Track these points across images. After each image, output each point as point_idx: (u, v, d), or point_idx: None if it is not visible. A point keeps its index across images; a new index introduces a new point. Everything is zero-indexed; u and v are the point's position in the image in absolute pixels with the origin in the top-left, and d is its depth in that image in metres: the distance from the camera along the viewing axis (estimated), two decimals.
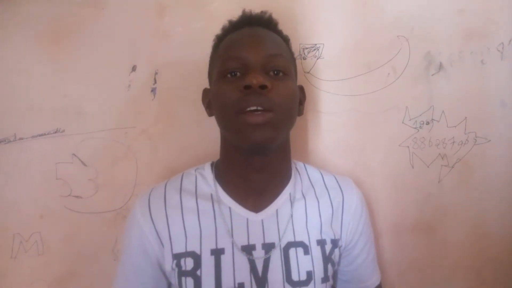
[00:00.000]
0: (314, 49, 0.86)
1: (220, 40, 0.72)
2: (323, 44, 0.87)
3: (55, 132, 0.81)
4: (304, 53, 0.86)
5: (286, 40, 0.74)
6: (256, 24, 0.70)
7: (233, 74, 0.64)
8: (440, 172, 0.89)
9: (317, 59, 0.87)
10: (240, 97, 0.61)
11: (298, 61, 0.86)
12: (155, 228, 0.65)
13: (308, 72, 0.87)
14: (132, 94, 0.83)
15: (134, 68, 0.83)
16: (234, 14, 0.74)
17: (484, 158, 0.89)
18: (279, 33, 0.73)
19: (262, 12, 0.72)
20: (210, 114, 0.73)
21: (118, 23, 0.83)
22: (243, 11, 0.72)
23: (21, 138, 0.81)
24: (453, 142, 0.89)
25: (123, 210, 0.83)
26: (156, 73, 0.84)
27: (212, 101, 0.69)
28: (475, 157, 0.89)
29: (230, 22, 0.72)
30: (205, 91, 0.75)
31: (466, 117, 0.89)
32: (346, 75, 0.87)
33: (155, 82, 0.84)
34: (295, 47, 0.85)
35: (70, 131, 0.82)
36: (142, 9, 0.83)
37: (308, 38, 0.86)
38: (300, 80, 0.85)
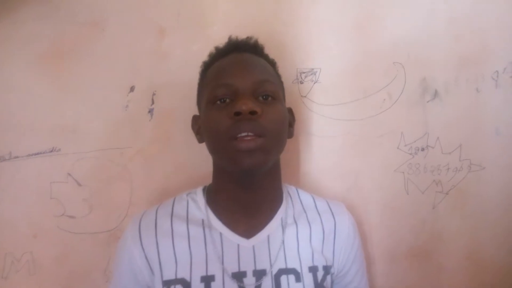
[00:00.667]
0: (311, 74, 0.87)
1: (207, 67, 0.73)
2: (320, 68, 0.87)
3: (51, 151, 0.82)
4: (301, 77, 0.87)
5: (272, 64, 0.75)
6: (243, 49, 0.71)
7: (222, 100, 0.64)
8: (435, 198, 0.89)
9: (314, 83, 0.87)
10: (231, 124, 0.61)
11: (295, 85, 0.87)
12: (145, 254, 0.65)
13: (305, 96, 0.87)
14: (130, 114, 0.84)
15: (132, 89, 0.84)
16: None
17: (478, 185, 0.90)
18: (266, 57, 0.74)
19: (248, 37, 0.73)
20: (200, 141, 0.73)
21: (118, 43, 0.84)
22: (229, 38, 0.73)
23: (16, 157, 0.81)
24: (448, 168, 0.89)
25: (117, 230, 0.82)
26: (154, 94, 0.84)
27: (202, 128, 0.70)
28: (470, 184, 0.89)
29: (217, 48, 0.74)
30: (195, 118, 0.76)
31: (461, 144, 0.89)
32: (343, 99, 0.88)
33: (153, 103, 0.84)
34: (292, 71, 0.87)
35: (66, 150, 0.82)
36: (142, 30, 0.84)
37: (305, 62, 0.87)
38: (297, 104, 0.86)
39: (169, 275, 0.64)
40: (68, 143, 0.82)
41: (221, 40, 0.75)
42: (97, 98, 0.83)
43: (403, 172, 0.88)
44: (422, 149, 0.88)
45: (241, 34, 0.77)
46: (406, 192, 0.88)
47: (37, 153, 0.81)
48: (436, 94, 0.89)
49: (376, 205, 0.88)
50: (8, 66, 0.81)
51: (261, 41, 0.83)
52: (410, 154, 0.88)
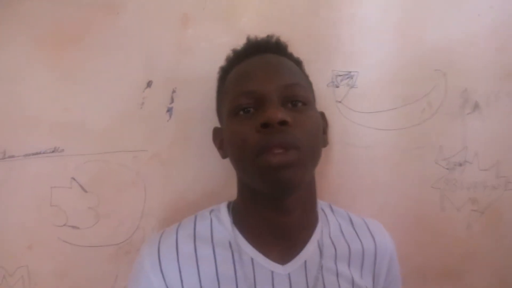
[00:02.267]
0: (348, 77, 0.80)
1: (226, 73, 0.66)
2: (358, 72, 0.80)
3: (53, 152, 0.71)
4: (337, 81, 0.80)
5: (298, 63, 0.68)
6: (264, 50, 0.64)
7: (246, 110, 0.57)
8: (470, 217, 0.84)
9: (351, 88, 0.80)
10: (258, 138, 0.53)
11: (330, 89, 0.80)
12: (165, 282, 0.56)
13: (340, 102, 0.80)
14: (145, 113, 0.74)
15: (149, 84, 0.74)
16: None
17: None
18: (290, 56, 0.67)
19: (268, 36, 0.66)
20: (224, 156, 0.66)
21: (135, 31, 0.74)
22: (248, 38, 0.66)
23: (11, 156, 0.70)
24: (485, 186, 0.84)
25: (126, 244, 0.73)
26: (173, 91, 0.75)
27: (225, 143, 0.62)
28: (505, 203, 0.85)
29: (235, 51, 0.67)
30: (216, 130, 0.68)
31: (498, 161, 0.84)
32: (380, 107, 0.81)
33: (172, 101, 0.75)
34: (327, 73, 0.80)
35: (70, 151, 0.71)
36: (164, 18, 0.74)
37: (342, 64, 0.80)
38: (331, 110, 0.79)
39: None
40: (73, 143, 0.72)
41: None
42: (108, 93, 0.73)
43: (439, 188, 0.83)
44: (460, 164, 0.83)
45: (274, 28, 0.70)
46: (441, 209, 0.83)
47: (36, 153, 0.70)
48: (476, 106, 0.83)
49: (409, 222, 0.82)
50: (3, 52, 0.70)
51: (296, 38, 0.76)
52: (448, 169, 0.83)
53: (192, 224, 0.62)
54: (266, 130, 0.53)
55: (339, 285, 0.61)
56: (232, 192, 0.66)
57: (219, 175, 0.75)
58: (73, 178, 0.72)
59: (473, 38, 0.83)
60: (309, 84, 0.67)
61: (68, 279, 0.71)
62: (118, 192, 0.73)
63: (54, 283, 0.71)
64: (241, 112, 0.57)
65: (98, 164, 0.72)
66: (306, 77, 0.68)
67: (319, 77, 0.78)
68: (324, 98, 0.78)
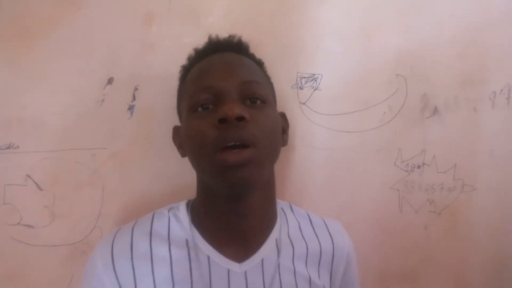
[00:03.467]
0: (312, 79, 0.81)
1: (187, 71, 0.66)
2: (322, 75, 0.81)
3: (7, 148, 0.69)
4: (301, 83, 0.80)
5: (260, 64, 0.68)
6: (225, 49, 0.64)
7: (204, 107, 0.57)
8: (428, 218, 0.86)
9: (314, 90, 0.81)
10: (216, 134, 0.53)
11: (294, 91, 0.80)
12: (118, 283, 0.55)
13: (304, 104, 0.81)
14: (105, 110, 0.73)
15: (110, 81, 0.73)
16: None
17: (470, 206, 0.88)
18: (252, 56, 0.68)
19: (230, 36, 0.67)
20: (183, 155, 0.65)
21: (97, 26, 0.72)
22: (209, 37, 0.66)
23: None
24: (442, 188, 0.86)
25: (83, 244, 0.71)
26: (136, 89, 0.74)
27: (183, 140, 0.62)
28: (461, 205, 0.87)
29: (196, 50, 0.67)
30: (176, 129, 0.68)
31: (455, 164, 0.87)
32: (343, 109, 0.82)
33: (134, 99, 0.74)
34: (292, 75, 0.80)
35: (25, 148, 0.69)
36: (127, 14, 0.73)
37: (306, 67, 0.80)
38: (295, 112, 0.80)
39: None
40: (29, 140, 0.70)
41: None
42: (68, 89, 0.71)
43: (398, 190, 0.85)
44: (419, 167, 0.85)
45: (239, 29, 0.70)
46: (400, 211, 0.85)
47: None
48: (435, 110, 0.86)
49: (369, 222, 0.84)
50: None
51: (261, 39, 0.76)
52: (407, 171, 0.85)
53: (149, 222, 0.61)
54: (224, 126, 0.53)
55: (296, 284, 0.61)
56: (191, 193, 0.65)
57: (179, 176, 0.74)
58: (28, 176, 0.70)
59: (434, 44, 0.85)
60: (270, 85, 0.67)
61: (21, 280, 0.69)
62: (75, 191, 0.71)
63: (7, 284, 0.69)
64: (200, 109, 0.57)
65: (54, 162, 0.71)
66: (267, 77, 0.68)
67: (283, 79, 0.79)
68: (288, 100, 0.79)
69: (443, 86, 0.86)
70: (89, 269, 0.57)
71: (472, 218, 0.88)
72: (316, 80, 0.81)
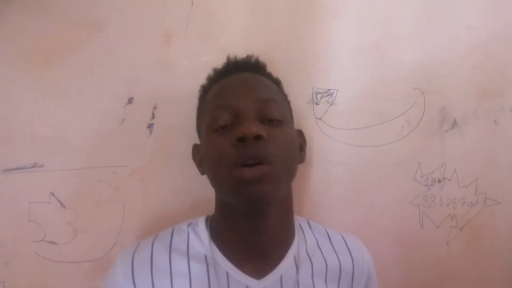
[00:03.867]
0: (328, 95, 0.81)
1: (206, 91, 0.68)
2: (337, 90, 0.81)
3: (32, 167, 0.71)
4: (317, 98, 0.81)
5: (277, 82, 0.69)
6: (244, 69, 0.66)
7: (223, 126, 0.58)
8: (449, 233, 0.84)
9: (330, 105, 0.81)
10: (234, 152, 0.54)
11: (309, 106, 0.81)
12: None
13: (320, 119, 0.81)
14: (126, 129, 0.74)
15: (130, 100, 0.75)
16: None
17: (492, 221, 0.86)
18: (269, 76, 0.69)
19: (248, 56, 0.68)
20: (202, 173, 0.66)
21: (117, 48, 0.74)
22: (228, 57, 0.68)
23: None
24: (463, 202, 0.85)
25: (104, 260, 0.73)
26: (155, 107, 0.75)
27: (202, 158, 0.63)
28: (484, 219, 0.86)
29: (215, 70, 0.68)
30: (195, 148, 0.69)
31: (477, 177, 0.85)
32: (359, 124, 0.82)
33: (153, 117, 0.75)
34: (307, 90, 0.81)
35: (50, 167, 0.72)
36: (146, 35, 0.75)
37: (322, 82, 0.81)
38: (311, 127, 0.80)
39: None
40: (53, 159, 0.72)
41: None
42: (89, 109, 0.73)
43: (418, 205, 0.83)
44: (439, 181, 0.84)
45: (255, 47, 0.72)
46: (420, 226, 0.83)
47: (16, 168, 0.70)
48: (455, 124, 0.85)
49: (389, 238, 0.83)
50: None
51: (276, 56, 0.77)
52: (426, 185, 0.84)
53: (169, 236, 0.62)
54: (242, 144, 0.54)
55: None
56: (210, 208, 0.66)
57: (198, 192, 0.75)
58: (52, 194, 0.72)
59: (451, 57, 0.85)
60: (287, 103, 0.68)
61: None
62: (96, 208, 0.73)
63: None
64: (219, 128, 0.58)
65: (77, 180, 0.72)
66: (284, 96, 0.69)
67: (299, 94, 0.79)
68: (304, 116, 0.80)
69: (461, 98, 0.85)
70: (109, 280, 0.58)
71: (495, 233, 0.86)
72: (331, 95, 0.81)
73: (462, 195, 0.85)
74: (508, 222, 0.86)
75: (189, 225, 0.64)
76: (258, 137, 0.53)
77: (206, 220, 0.65)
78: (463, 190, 0.85)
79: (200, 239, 0.62)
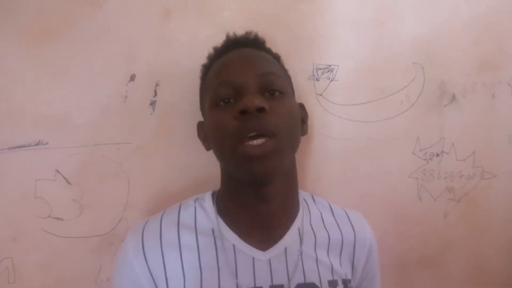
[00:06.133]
0: (328, 71, 0.81)
1: (207, 69, 0.68)
2: (338, 65, 0.82)
3: (37, 144, 0.71)
4: (318, 74, 0.81)
5: (276, 57, 0.70)
6: (243, 45, 0.67)
7: (225, 101, 0.59)
8: (447, 206, 0.86)
9: (331, 81, 0.82)
10: (237, 125, 0.55)
11: (310, 82, 0.81)
12: (149, 268, 0.57)
13: (321, 95, 0.82)
14: (129, 106, 0.75)
15: (132, 78, 0.75)
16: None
17: (489, 193, 0.88)
18: (269, 51, 0.70)
19: (247, 32, 0.69)
20: (208, 148, 0.68)
21: (117, 25, 0.74)
22: (227, 35, 0.69)
23: None
24: (461, 175, 0.87)
25: (110, 235, 0.74)
26: (157, 85, 0.76)
27: (207, 134, 0.65)
28: (481, 192, 0.88)
29: (215, 48, 0.69)
30: (200, 125, 0.70)
31: (474, 151, 0.87)
32: (359, 99, 0.83)
33: (155, 94, 0.76)
34: (308, 66, 0.81)
35: (54, 144, 0.72)
36: (146, 11, 0.75)
37: (322, 58, 0.81)
38: (312, 102, 0.81)
39: None
40: (57, 136, 0.72)
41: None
42: (92, 86, 0.73)
43: (417, 178, 0.85)
44: (437, 155, 0.85)
45: (254, 23, 0.72)
46: (419, 199, 0.85)
47: (20, 146, 0.71)
48: (453, 98, 0.86)
49: (389, 211, 0.85)
50: None
51: (276, 32, 0.78)
52: (425, 159, 0.85)
53: (177, 212, 0.63)
54: (244, 117, 0.55)
55: (318, 272, 0.63)
56: (215, 184, 0.67)
57: (202, 168, 0.76)
58: (57, 171, 0.72)
59: (450, 31, 0.85)
60: (287, 77, 0.69)
61: (52, 270, 0.72)
62: (101, 184, 0.74)
63: (39, 274, 0.72)
64: (221, 103, 0.59)
65: (82, 157, 0.73)
66: (284, 70, 0.70)
67: (300, 70, 0.80)
68: (305, 92, 0.80)
69: (460, 73, 0.86)
70: (121, 255, 0.60)
71: (492, 205, 0.88)
72: (332, 71, 0.81)
73: (460, 169, 0.86)
74: (505, 194, 0.88)
75: (196, 200, 0.66)
76: (260, 109, 0.54)
77: (213, 195, 0.66)
78: (461, 164, 0.86)
79: (207, 213, 0.63)
